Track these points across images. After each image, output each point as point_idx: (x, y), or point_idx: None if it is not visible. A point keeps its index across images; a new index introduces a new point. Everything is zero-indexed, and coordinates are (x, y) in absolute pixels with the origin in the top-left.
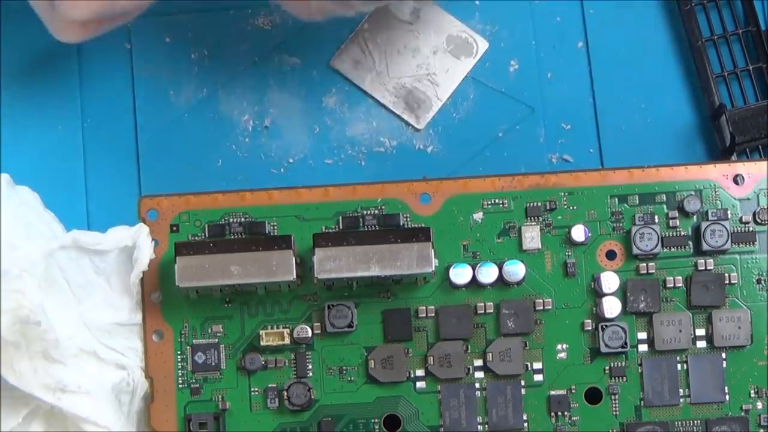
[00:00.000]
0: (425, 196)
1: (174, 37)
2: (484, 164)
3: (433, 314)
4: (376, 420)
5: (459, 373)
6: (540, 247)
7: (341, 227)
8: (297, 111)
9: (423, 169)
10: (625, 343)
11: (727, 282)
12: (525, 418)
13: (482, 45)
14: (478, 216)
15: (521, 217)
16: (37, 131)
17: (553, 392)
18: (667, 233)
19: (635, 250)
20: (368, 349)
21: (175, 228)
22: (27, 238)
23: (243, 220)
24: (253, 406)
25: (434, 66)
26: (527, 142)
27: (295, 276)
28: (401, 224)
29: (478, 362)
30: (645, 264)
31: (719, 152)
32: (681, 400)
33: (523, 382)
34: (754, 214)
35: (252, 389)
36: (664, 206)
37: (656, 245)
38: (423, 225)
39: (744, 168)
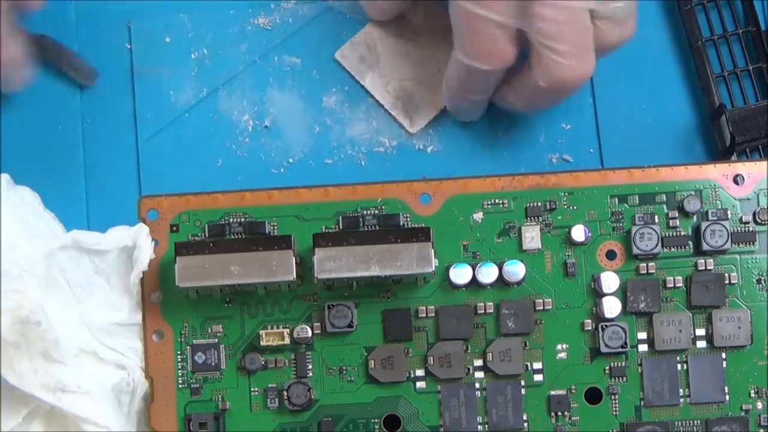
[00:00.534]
0: (425, 196)
1: (174, 37)
2: (484, 164)
3: (433, 314)
4: (376, 420)
5: (459, 373)
6: (540, 247)
7: (341, 227)
8: (297, 111)
9: (423, 169)
10: (625, 343)
11: (727, 282)
12: (525, 418)
13: None
14: (478, 216)
15: (521, 217)
16: (37, 131)
17: (553, 392)
18: (667, 233)
19: (635, 250)
20: (368, 349)
21: (175, 228)
22: (27, 238)
23: (243, 220)
24: (253, 406)
25: (437, 73)
26: (527, 142)
27: (295, 276)
28: (401, 224)
29: (478, 362)
30: (645, 264)
31: (719, 152)
32: (681, 400)
33: (523, 382)
34: (754, 214)
35: (252, 389)
36: (664, 206)
37: (656, 245)
38: (423, 225)
39: (744, 168)
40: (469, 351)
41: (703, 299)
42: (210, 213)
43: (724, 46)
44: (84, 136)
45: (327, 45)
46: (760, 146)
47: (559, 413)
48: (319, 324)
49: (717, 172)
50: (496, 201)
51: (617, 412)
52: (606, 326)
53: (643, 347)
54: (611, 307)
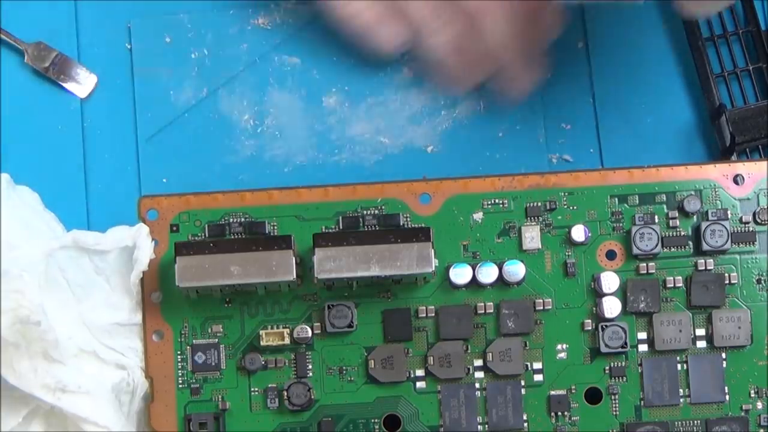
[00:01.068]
0: (425, 196)
1: (174, 37)
2: (484, 164)
3: (433, 314)
4: (376, 420)
5: (459, 373)
6: (540, 247)
7: (341, 227)
8: (297, 111)
9: (423, 169)
10: (625, 343)
11: (727, 282)
12: (525, 418)
13: None
14: (478, 216)
15: (521, 217)
16: (37, 131)
17: (553, 392)
18: (667, 233)
19: (635, 250)
20: (368, 349)
21: (175, 228)
22: (27, 238)
23: (243, 220)
24: (253, 406)
25: None
26: (527, 142)
27: (295, 276)
28: (401, 224)
29: (478, 362)
30: (645, 264)
31: (719, 152)
32: (681, 400)
33: (523, 382)
34: (754, 214)
35: (252, 389)
36: (664, 206)
37: (656, 245)
38: (423, 225)
39: (744, 168)
40: (469, 351)
41: (703, 299)
42: (210, 213)
43: (724, 46)
44: (84, 136)
45: (327, 45)
46: (760, 146)
47: (559, 413)
48: (319, 324)
49: (717, 172)
50: (496, 201)
51: (617, 412)
52: (606, 326)
53: (643, 347)
54: (611, 307)
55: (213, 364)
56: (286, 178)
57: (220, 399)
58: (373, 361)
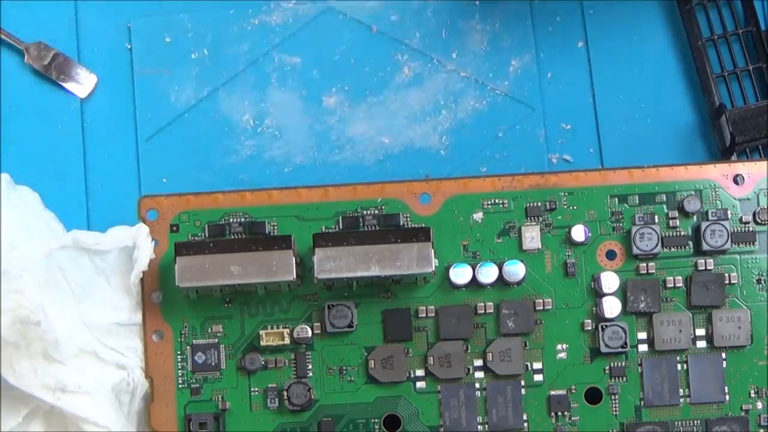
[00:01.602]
0: (425, 196)
1: (174, 37)
2: (484, 164)
3: (433, 314)
4: (376, 420)
5: (459, 373)
6: (540, 247)
7: (341, 227)
8: (297, 111)
9: (423, 168)
10: (625, 343)
11: (727, 282)
12: (525, 418)
13: None
14: (478, 216)
15: (521, 217)
16: (37, 131)
17: (553, 392)
18: (667, 233)
19: (635, 250)
20: (368, 349)
21: (175, 228)
22: (27, 238)
23: (243, 220)
24: (253, 406)
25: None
26: (527, 142)
27: (295, 276)
28: (401, 224)
29: (478, 362)
30: (645, 264)
31: (719, 152)
32: (681, 400)
33: (523, 382)
34: (754, 214)
35: (252, 389)
36: (664, 206)
37: (656, 245)
38: (423, 225)
39: (744, 168)
40: (469, 351)
41: (703, 299)
42: (210, 213)
43: (724, 46)
44: (84, 136)
45: (327, 45)
46: (760, 146)
47: (559, 413)
48: (319, 324)
49: (717, 172)
50: (496, 201)
51: (617, 412)
52: (606, 326)
53: (643, 347)
54: (611, 307)
55: (213, 364)
56: (286, 178)
57: (220, 399)
58: (373, 361)
